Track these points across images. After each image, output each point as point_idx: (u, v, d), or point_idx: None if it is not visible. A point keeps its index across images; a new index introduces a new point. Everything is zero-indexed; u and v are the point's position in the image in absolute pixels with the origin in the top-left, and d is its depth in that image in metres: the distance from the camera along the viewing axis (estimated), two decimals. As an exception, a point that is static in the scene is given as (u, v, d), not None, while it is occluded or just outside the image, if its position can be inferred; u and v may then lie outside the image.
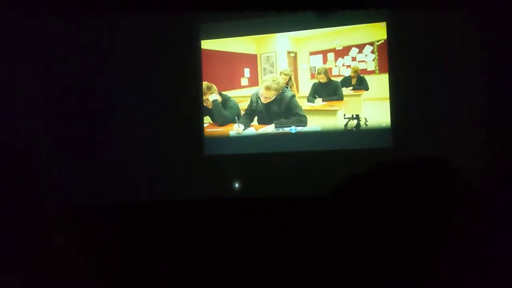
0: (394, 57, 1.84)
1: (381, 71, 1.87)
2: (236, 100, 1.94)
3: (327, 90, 1.95)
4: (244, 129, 1.91)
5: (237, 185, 1.82)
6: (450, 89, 1.73)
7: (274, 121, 1.90)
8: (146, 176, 1.74)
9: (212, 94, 1.91)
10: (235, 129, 1.90)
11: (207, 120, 1.93)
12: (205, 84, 1.92)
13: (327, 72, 1.95)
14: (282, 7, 1.71)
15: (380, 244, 0.75)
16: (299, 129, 1.89)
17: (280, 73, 1.95)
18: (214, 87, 1.92)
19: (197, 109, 1.89)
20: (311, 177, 1.73)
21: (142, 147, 1.78)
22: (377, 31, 1.88)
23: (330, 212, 0.87)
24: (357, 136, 1.87)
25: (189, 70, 1.88)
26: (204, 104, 1.92)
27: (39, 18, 1.65)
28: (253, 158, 1.88)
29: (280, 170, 1.82)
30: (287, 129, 1.90)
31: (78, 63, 1.73)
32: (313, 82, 1.97)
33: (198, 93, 1.90)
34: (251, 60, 1.98)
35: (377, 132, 1.85)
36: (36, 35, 1.65)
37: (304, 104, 1.94)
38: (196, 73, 1.90)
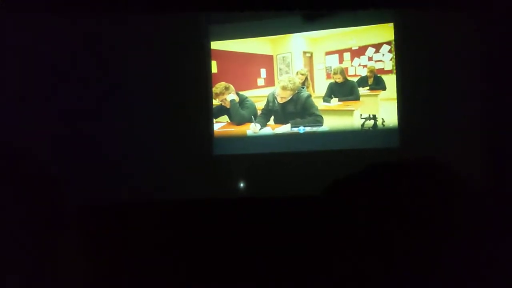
0: (401, 57, 1.85)
1: (398, 70, 1.87)
2: (252, 100, 1.96)
3: (343, 90, 1.95)
4: (260, 129, 1.93)
5: (244, 185, 1.84)
6: (458, 90, 1.72)
7: (290, 121, 1.91)
8: (154, 176, 1.76)
9: (229, 94, 1.93)
10: (252, 128, 1.92)
11: (224, 119, 1.95)
12: (222, 84, 1.94)
13: (343, 72, 1.95)
14: (282, 8, 1.74)
15: (380, 245, 0.75)
16: (308, 129, 1.90)
17: (297, 73, 1.96)
18: (232, 87, 1.94)
19: (206, 109, 1.91)
20: (317, 177, 1.73)
21: (151, 147, 1.80)
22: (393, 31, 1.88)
23: (328, 212, 0.88)
24: (364, 137, 1.88)
25: (198, 71, 1.90)
26: (222, 104, 1.93)
27: (43, 18, 1.67)
28: (261, 158, 1.89)
29: (287, 170, 1.83)
30: (295, 129, 1.91)
31: (87, 63, 1.76)
32: (329, 82, 1.97)
33: (207, 93, 1.91)
34: (267, 60, 2.00)
35: (385, 132, 1.85)
36: (43, 35, 1.68)
37: (320, 104, 1.94)
38: (206, 73, 1.91)
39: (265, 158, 1.89)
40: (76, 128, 1.72)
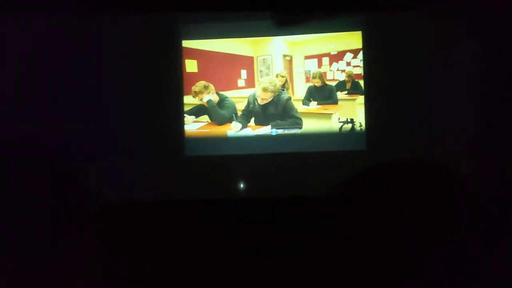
0: (369, 64, 1.91)
1: (376, 76, 1.92)
2: (233, 100, 1.95)
3: (322, 94, 1.99)
4: (241, 129, 1.92)
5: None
6: (421, 94, 1.82)
7: (270, 122, 1.92)
8: (123, 177, 1.73)
9: (207, 94, 1.91)
10: (233, 127, 1.91)
11: (205, 119, 1.93)
12: (202, 83, 1.92)
13: (322, 76, 1.99)
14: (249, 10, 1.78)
15: (378, 245, 0.77)
16: (280, 131, 1.91)
17: (277, 75, 1.98)
18: (211, 86, 1.92)
19: (177, 110, 1.88)
20: (287, 178, 1.79)
21: (120, 148, 1.76)
22: (372, 38, 1.93)
23: (331, 212, 0.89)
24: (333, 139, 1.92)
25: (169, 70, 1.87)
26: (202, 103, 1.92)
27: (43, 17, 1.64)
28: (233, 159, 1.88)
29: (256, 171, 1.83)
30: (267, 132, 1.92)
31: (55, 63, 1.73)
32: (308, 85, 2.00)
33: (179, 93, 1.88)
34: (247, 62, 2.00)
35: (353, 134, 1.90)
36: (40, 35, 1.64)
37: (299, 107, 1.97)
38: (177, 73, 1.88)
39: (237, 159, 1.88)
40: (39, 128, 1.67)
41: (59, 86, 1.74)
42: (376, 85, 1.89)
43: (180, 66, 1.89)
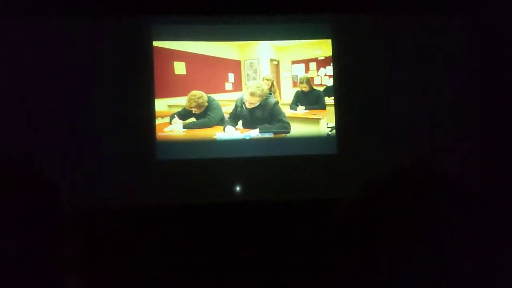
0: (339, 71, 1.94)
1: (363, 82, 1.93)
2: (220, 104, 1.92)
3: (310, 98, 1.98)
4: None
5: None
6: (389, 98, 1.88)
7: (258, 126, 1.90)
8: (93, 181, 1.71)
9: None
10: (226, 131, 1.88)
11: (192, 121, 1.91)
12: (197, 97, 1.88)
13: (309, 81, 1.98)
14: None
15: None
16: (253, 135, 1.89)
17: (263, 79, 1.96)
18: (204, 97, 1.89)
19: (149, 113, 1.84)
20: (258, 182, 1.82)
21: (92, 151, 1.74)
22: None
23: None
24: (305, 143, 1.92)
25: (141, 72, 1.84)
26: (193, 111, 1.89)
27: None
28: (206, 163, 1.85)
29: (227, 176, 1.84)
30: (241, 136, 1.91)
31: (28, 64, 1.71)
32: (295, 90, 1.99)
33: (150, 95, 1.84)
34: (235, 65, 1.98)
35: (324, 139, 1.91)
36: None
37: (287, 111, 1.95)
38: (148, 75, 1.85)
39: (210, 163, 1.85)
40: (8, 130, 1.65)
41: (27, 91, 1.71)
42: (346, 91, 1.90)
43: (151, 68, 1.85)
